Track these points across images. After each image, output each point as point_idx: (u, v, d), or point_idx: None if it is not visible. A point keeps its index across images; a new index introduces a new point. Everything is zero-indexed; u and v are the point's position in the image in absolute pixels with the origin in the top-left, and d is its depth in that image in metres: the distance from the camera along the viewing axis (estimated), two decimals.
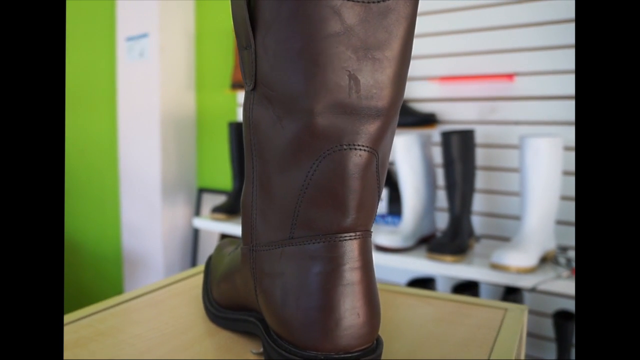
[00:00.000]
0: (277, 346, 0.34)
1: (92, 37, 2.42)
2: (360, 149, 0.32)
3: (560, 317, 1.32)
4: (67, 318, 0.50)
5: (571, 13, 1.37)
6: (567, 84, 1.40)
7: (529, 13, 1.44)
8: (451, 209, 1.38)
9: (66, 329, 0.47)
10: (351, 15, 0.30)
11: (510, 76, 1.44)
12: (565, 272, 1.21)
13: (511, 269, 1.21)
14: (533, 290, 1.31)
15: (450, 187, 1.37)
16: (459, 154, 1.34)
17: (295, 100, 0.31)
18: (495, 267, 1.24)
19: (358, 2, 0.30)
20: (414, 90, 1.67)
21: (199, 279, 0.61)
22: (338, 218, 0.32)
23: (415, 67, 1.66)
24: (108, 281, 2.49)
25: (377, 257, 1.40)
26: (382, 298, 0.55)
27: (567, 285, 1.17)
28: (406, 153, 1.43)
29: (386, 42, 0.31)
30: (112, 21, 2.33)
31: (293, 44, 0.30)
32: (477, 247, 1.45)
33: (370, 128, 0.32)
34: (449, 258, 1.31)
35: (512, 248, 1.23)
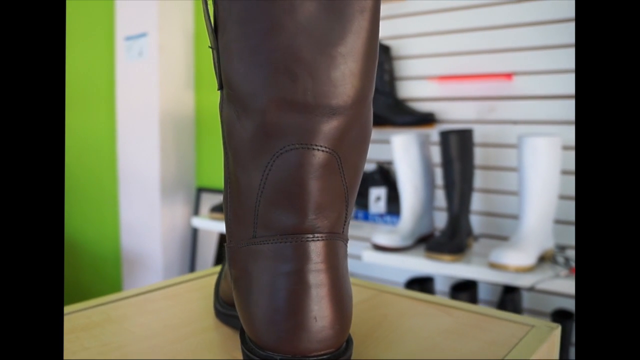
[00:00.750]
0: (243, 343, 0.34)
1: (91, 36, 2.42)
2: (316, 149, 0.31)
3: (559, 316, 1.32)
4: (82, 305, 0.52)
5: (570, 12, 1.37)
6: (566, 83, 1.40)
7: (527, 12, 1.44)
8: (450, 208, 1.38)
9: (79, 315, 0.49)
10: (303, 11, 0.29)
11: (508, 75, 1.44)
12: (563, 271, 1.21)
13: (509, 268, 1.21)
14: (531, 289, 1.31)
15: (448, 187, 1.37)
16: (457, 153, 1.34)
17: (249, 98, 0.31)
18: (494, 266, 1.24)
19: None
20: (412, 90, 1.67)
21: None
22: (295, 218, 0.32)
23: (413, 67, 1.66)
24: (107, 281, 2.48)
25: (376, 257, 1.40)
26: (401, 305, 0.53)
27: (566, 285, 1.17)
28: (405, 152, 1.43)
29: (340, 38, 0.30)
30: (111, 20, 2.33)
31: (245, 43, 0.30)
32: (476, 247, 1.46)
33: (326, 127, 0.31)
34: (447, 257, 1.31)
35: (511, 247, 1.23)
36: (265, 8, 0.29)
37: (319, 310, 0.32)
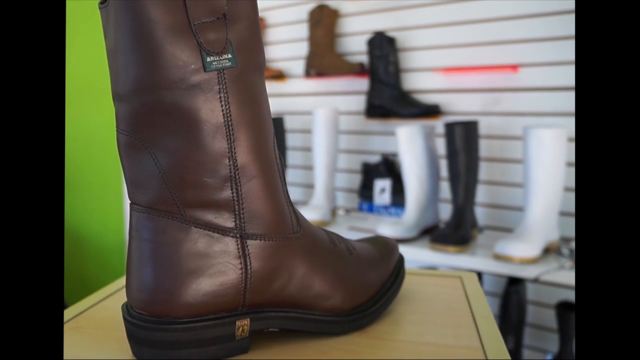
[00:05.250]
0: None
1: (97, 31, 2.42)
2: (120, 131, 0.37)
3: (563, 307, 1.32)
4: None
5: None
6: (572, 75, 1.39)
7: (533, 4, 1.43)
8: (454, 199, 1.38)
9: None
10: (104, 19, 0.36)
11: (514, 67, 1.43)
12: (568, 263, 1.21)
13: (514, 259, 1.21)
14: (536, 280, 1.32)
15: (453, 178, 1.37)
16: (462, 145, 1.34)
17: None
18: (499, 257, 1.24)
19: (101, 9, 0.36)
20: (417, 81, 1.67)
21: None
22: (127, 188, 0.39)
23: (418, 58, 1.66)
24: (112, 273, 2.50)
25: None
26: None
27: (570, 276, 1.17)
28: (409, 144, 1.43)
29: (114, 37, 0.36)
30: None
31: None
32: (480, 238, 1.46)
33: (122, 113, 0.36)
34: (452, 248, 1.31)
35: (516, 238, 1.23)
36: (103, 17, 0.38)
37: (130, 272, 0.38)
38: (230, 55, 0.36)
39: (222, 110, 0.36)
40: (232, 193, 0.37)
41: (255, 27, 0.38)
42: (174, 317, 0.37)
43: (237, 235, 0.38)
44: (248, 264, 0.38)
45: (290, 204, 0.42)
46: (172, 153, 0.36)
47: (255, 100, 0.38)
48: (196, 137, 0.36)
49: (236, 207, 0.38)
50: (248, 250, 0.38)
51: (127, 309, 0.39)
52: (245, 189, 0.38)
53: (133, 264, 0.38)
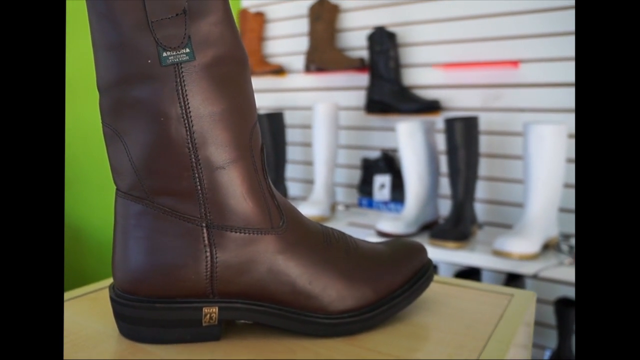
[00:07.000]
0: None
1: None
2: (104, 124, 0.40)
3: (562, 304, 1.32)
4: None
5: None
6: (572, 71, 1.39)
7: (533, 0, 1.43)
8: (454, 195, 1.38)
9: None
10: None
11: (515, 63, 1.43)
12: (567, 259, 1.21)
13: (513, 255, 1.21)
14: (535, 277, 1.32)
15: (453, 174, 1.37)
16: (462, 140, 1.34)
17: None
18: (498, 253, 1.24)
19: None
20: (417, 77, 1.66)
21: None
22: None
23: (419, 54, 1.65)
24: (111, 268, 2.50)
25: None
26: None
27: (569, 273, 1.17)
28: (409, 139, 1.43)
29: (91, 35, 0.38)
30: None
31: None
32: (480, 234, 1.46)
33: (104, 106, 0.39)
34: (451, 244, 1.31)
35: (515, 235, 1.23)
36: None
37: (112, 252, 0.41)
38: (188, 50, 0.37)
39: (180, 103, 0.38)
40: (196, 183, 0.38)
41: (226, 21, 0.39)
42: (142, 295, 0.39)
43: (203, 225, 0.39)
44: (214, 253, 0.39)
45: (273, 197, 0.41)
46: (138, 143, 0.38)
47: (226, 93, 0.39)
48: (157, 129, 0.38)
49: (200, 196, 0.39)
50: (214, 240, 0.39)
51: (111, 285, 0.42)
52: (210, 179, 0.39)
53: (114, 244, 0.40)
